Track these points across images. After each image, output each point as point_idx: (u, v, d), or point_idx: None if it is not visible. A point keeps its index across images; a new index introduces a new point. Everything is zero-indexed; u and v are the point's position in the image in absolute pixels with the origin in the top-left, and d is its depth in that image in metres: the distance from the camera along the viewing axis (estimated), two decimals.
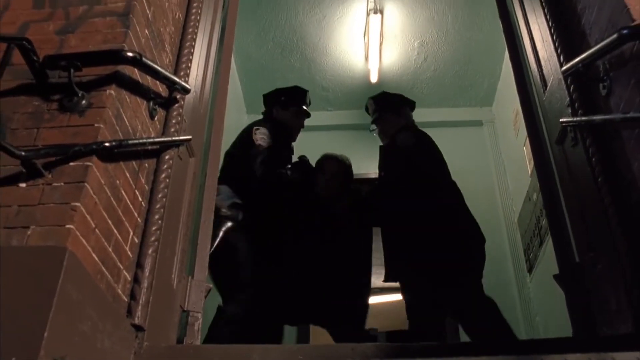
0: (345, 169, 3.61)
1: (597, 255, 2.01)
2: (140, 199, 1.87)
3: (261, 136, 3.28)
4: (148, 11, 2.04)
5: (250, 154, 3.24)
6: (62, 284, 1.33)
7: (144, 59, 1.77)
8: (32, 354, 1.23)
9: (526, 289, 4.75)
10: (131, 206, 1.80)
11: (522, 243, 4.85)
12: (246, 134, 3.40)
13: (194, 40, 2.42)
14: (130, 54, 1.75)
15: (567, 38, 2.29)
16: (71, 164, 1.57)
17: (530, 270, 4.66)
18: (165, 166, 1.99)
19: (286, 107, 3.56)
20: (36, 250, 1.39)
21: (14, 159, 1.51)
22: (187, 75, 2.27)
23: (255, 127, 3.37)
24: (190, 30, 2.41)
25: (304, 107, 3.62)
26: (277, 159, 3.32)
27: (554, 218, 2.41)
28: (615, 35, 1.74)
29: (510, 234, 5.09)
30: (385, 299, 6.39)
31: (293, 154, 3.61)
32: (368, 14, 5.08)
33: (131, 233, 1.79)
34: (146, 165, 1.95)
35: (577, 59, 2.04)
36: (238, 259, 3.04)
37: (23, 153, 1.50)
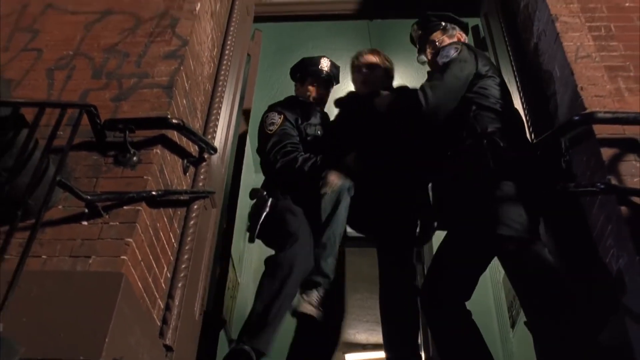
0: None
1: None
2: (173, 241, 2.22)
3: (270, 121, 3.04)
4: (186, 84, 2.45)
5: (267, 148, 2.95)
6: (119, 302, 1.67)
7: (186, 125, 2.15)
8: (96, 354, 1.56)
9: (509, 343, 4.99)
10: (166, 246, 2.15)
11: (506, 300, 5.13)
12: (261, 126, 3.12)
13: (220, 108, 2.82)
14: (175, 121, 2.14)
15: (537, 117, 2.69)
16: (125, 207, 1.93)
17: (513, 326, 4.93)
18: (194, 214, 2.34)
19: (303, 80, 3.32)
20: (99, 275, 1.74)
21: (80, 201, 1.88)
22: (214, 138, 2.66)
23: (264, 115, 3.12)
24: (217, 99, 2.82)
25: (321, 74, 3.30)
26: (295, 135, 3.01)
27: None
28: (568, 121, 2.13)
29: (496, 292, 5.37)
30: (372, 355, 6.46)
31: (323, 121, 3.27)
32: None
33: (165, 268, 2.13)
34: (179, 212, 2.30)
35: (543, 136, 2.43)
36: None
37: (89, 197, 1.86)
